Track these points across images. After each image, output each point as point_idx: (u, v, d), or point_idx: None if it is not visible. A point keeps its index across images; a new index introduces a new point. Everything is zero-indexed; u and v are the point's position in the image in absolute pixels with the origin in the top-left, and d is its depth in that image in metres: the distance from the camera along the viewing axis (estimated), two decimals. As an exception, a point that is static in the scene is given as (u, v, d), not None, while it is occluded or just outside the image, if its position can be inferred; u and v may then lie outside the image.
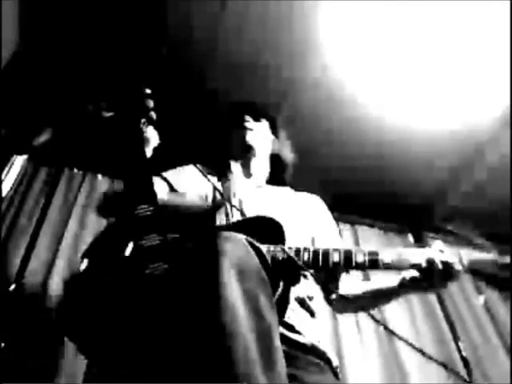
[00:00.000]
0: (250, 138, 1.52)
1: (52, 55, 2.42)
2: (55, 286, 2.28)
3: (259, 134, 1.56)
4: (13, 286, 2.24)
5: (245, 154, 1.53)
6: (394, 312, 2.80)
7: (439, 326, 2.90)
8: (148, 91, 1.12)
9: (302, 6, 2.27)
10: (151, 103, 1.11)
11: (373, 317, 1.23)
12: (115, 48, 2.35)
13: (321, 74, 2.55)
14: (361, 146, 2.85)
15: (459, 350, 2.76)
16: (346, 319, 2.72)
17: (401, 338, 1.25)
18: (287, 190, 1.56)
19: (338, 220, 3.06)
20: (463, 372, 2.65)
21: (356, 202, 3.11)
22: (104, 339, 0.88)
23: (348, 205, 3.01)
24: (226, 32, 2.38)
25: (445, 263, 1.08)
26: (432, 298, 3.05)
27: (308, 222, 1.41)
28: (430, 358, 1.22)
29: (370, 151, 2.88)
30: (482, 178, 3.01)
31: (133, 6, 2.25)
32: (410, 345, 1.15)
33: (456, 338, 2.83)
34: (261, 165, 1.55)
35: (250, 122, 1.55)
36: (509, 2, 2.19)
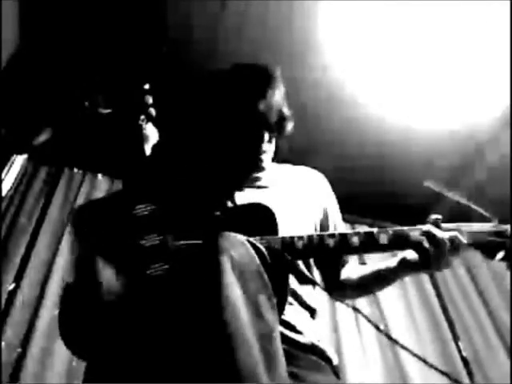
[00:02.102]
0: (265, 157, 1.36)
1: (52, 55, 2.42)
2: (55, 284, 2.29)
3: (272, 149, 1.40)
4: (13, 286, 2.24)
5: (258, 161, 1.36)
6: (391, 308, 2.80)
7: (439, 325, 2.91)
8: (147, 87, 1.09)
9: (302, 5, 2.27)
10: (150, 99, 1.08)
11: (377, 327, 1.21)
12: (115, 48, 2.35)
13: (321, 74, 2.55)
14: (361, 146, 2.85)
15: (459, 350, 2.76)
16: (346, 319, 2.72)
17: (403, 347, 1.23)
18: (287, 167, 1.45)
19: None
20: (463, 372, 2.65)
21: (356, 202, 3.10)
22: (105, 340, 0.87)
23: (348, 205, 3.00)
24: (226, 32, 2.38)
25: (445, 237, 1.04)
26: (432, 298, 3.05)
27: (309, 202, 1.33)
28: (432, 366, 1.21)
29: (370, 151, 2.88)
30: (481, 177, 3.01)
31: (133, 5, 2.25)
32: (412, 353, 1.14)
33: (456, 338, 2.83)
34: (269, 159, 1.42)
35: (265, 141, 1.34)
36: (509, 2, 2.19)
